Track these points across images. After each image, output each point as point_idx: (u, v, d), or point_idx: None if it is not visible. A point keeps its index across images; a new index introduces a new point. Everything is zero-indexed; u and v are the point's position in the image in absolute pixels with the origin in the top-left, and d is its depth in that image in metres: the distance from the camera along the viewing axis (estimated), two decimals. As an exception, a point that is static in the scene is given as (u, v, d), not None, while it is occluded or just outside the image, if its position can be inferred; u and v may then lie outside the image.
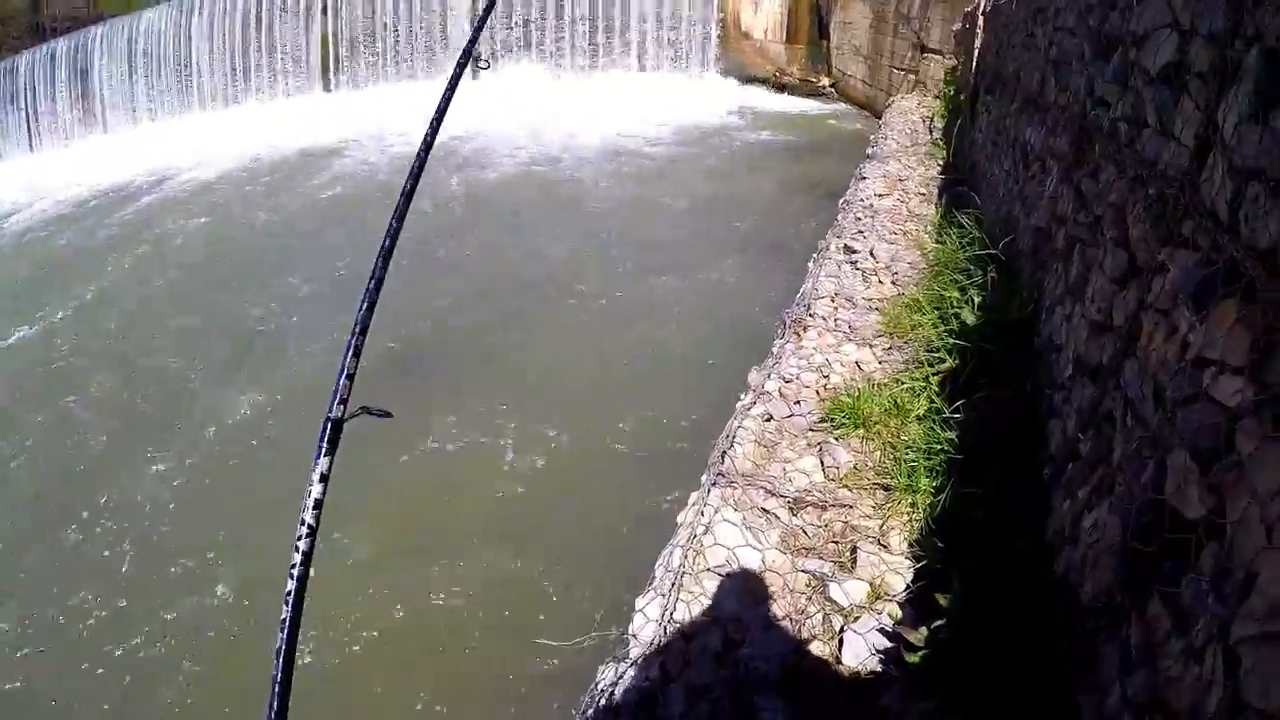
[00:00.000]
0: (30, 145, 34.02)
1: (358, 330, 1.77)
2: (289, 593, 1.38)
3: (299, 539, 1.44)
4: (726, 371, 7.84)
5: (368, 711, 5.10)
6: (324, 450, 1.54)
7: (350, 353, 1.71)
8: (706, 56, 23.95)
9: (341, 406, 1.61)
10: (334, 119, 24.27)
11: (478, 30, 3.21)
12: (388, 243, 2.02)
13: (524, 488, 6.86)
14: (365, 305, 1.83)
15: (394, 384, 8.78)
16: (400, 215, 2.13)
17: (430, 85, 25.87)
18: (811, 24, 23.43)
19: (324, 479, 1.51)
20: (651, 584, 3.16)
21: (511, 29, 25.52)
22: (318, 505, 1.48)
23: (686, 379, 8.24)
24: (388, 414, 1.60)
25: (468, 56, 3.00)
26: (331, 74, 27.26)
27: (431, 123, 2.54)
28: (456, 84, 2.77)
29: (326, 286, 12.25)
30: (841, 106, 20.82)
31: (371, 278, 1.90)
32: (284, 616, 1.36)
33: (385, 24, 26.63)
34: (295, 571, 1.40)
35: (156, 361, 11.00)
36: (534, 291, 11.00)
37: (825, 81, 22.51)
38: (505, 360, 9.19)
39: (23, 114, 33.98)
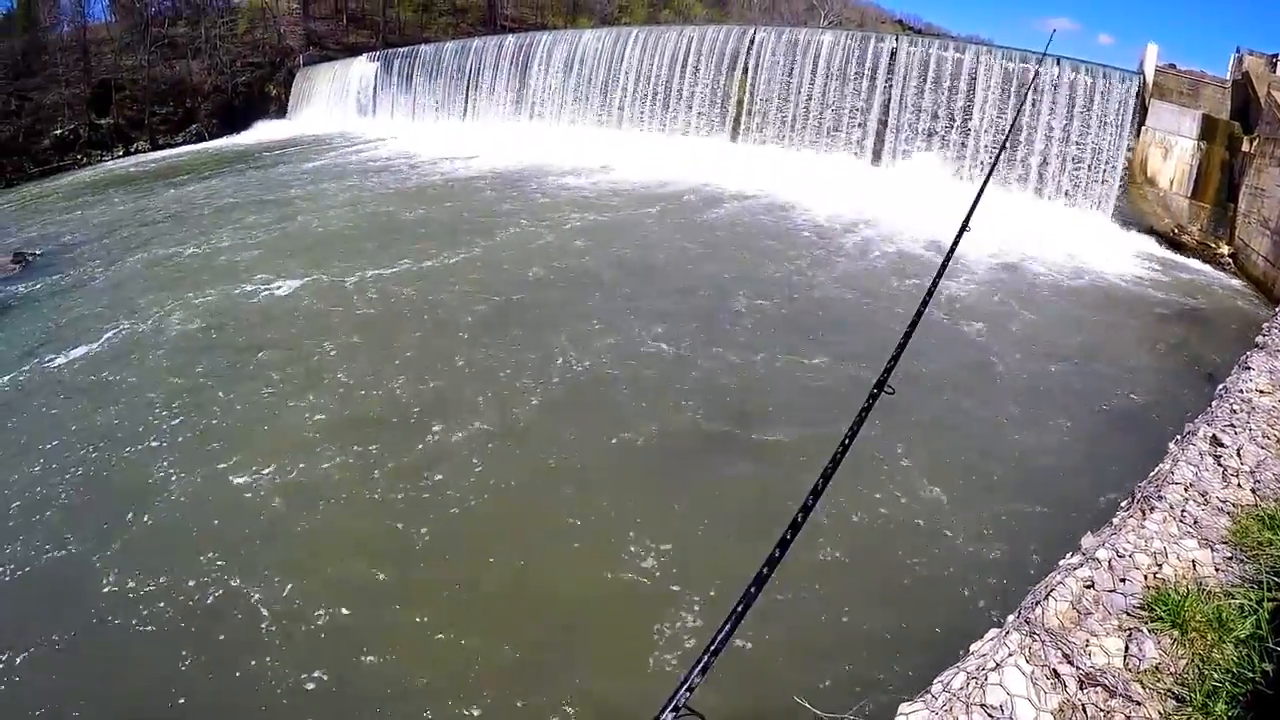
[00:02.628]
0: (464, 114, 40.62)
1: None
2: None
3: None
4: (1052, 523, 7.73)
5: None
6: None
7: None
8: (1105, 197, 22.79)
9: None
10: (733, 167, 26.17)
11: (1004, 142, 3.55)
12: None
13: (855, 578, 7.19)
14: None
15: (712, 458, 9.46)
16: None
17: (817, 158, 27.12)
18: (1222, 182, 21.54)
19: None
20: (924, 695, 3.33)
21: (918, 125, 25.91)
22: None
23: (1016, 522, 8.23)
24: None
25: (997, 159, 3.24)
26: (741, 127, 29.37)
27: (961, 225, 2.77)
28: (983, 190, 3.02)
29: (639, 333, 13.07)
30: (1235, 281, 18.96)
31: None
32: None
33: (798, 93, 28.15)
34: None
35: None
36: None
37: (1224, 250, 20.58)
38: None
39: (465, 88, 40.54)
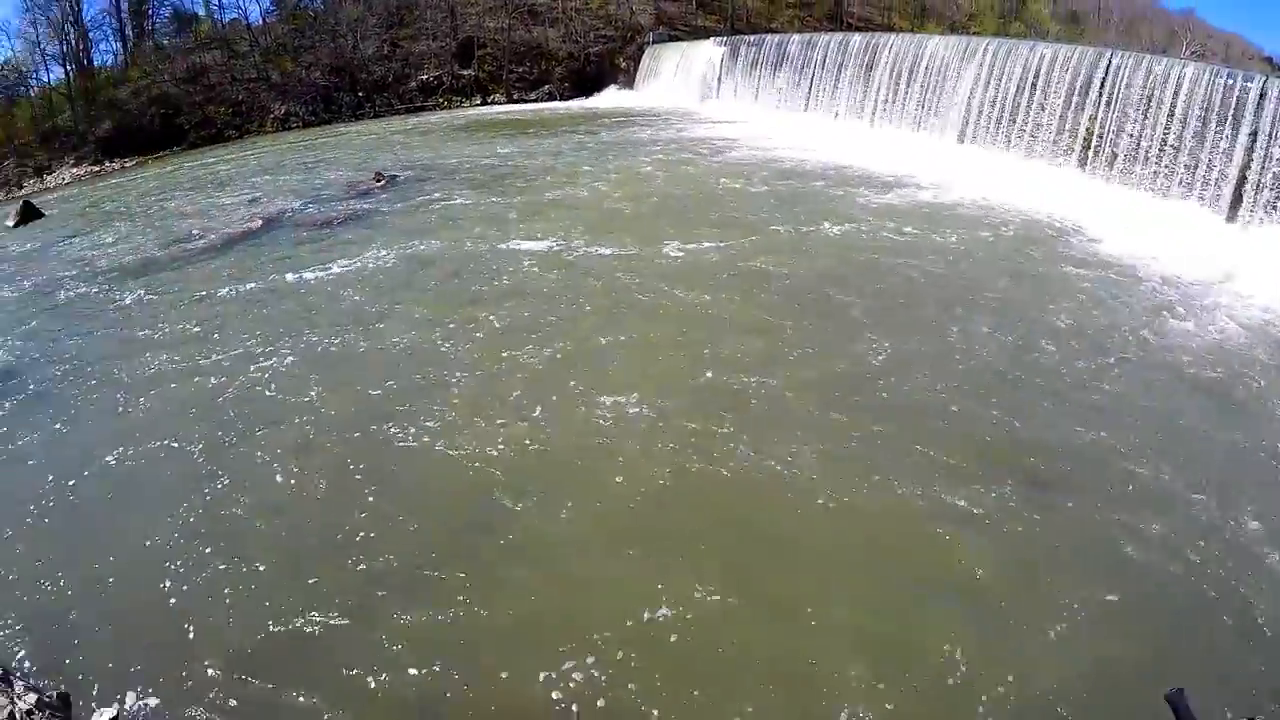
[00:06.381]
0: (804, 107, 40.69)
1: None
2: None
3: None
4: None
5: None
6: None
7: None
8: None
9: None
10: (1078, 201, 23.54)
11: None
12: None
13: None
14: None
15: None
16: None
17: (1165, 203, 23.21)
18: None
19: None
20: None
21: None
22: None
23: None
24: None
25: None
26: (1090, 155, 26.03)
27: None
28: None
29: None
30: None
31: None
32: None
33: (1152, 130, 24.82)
34: None
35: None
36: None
37: None
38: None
39: (808, 82, 41.02)
